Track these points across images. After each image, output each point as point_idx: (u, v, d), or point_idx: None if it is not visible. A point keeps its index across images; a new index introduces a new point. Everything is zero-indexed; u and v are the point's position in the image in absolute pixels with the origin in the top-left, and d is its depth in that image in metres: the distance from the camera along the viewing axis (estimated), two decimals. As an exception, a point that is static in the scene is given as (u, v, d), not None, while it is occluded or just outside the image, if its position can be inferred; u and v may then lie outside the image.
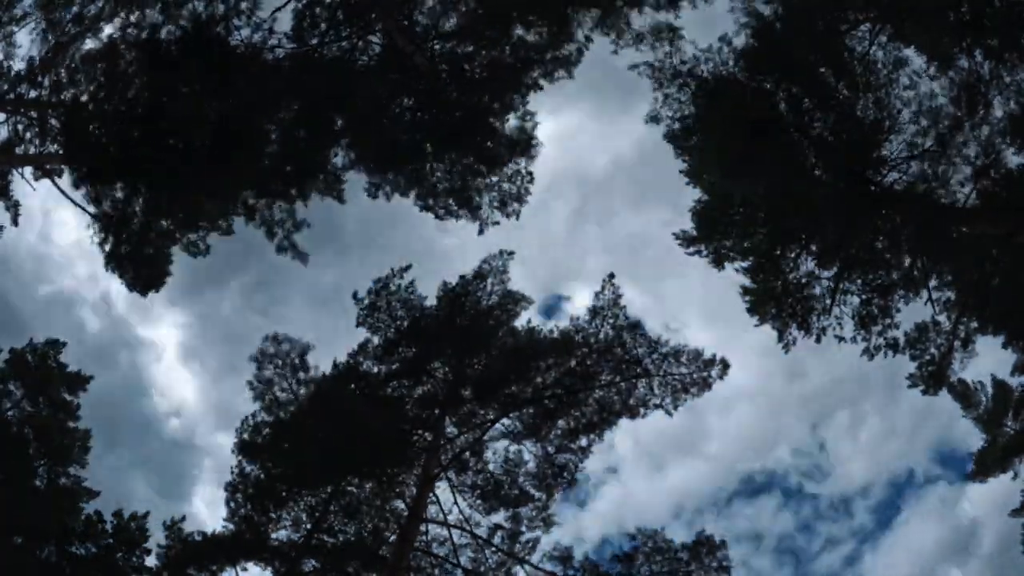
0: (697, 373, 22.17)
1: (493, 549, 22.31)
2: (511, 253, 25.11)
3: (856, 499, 43.21)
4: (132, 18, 17.53)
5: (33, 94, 18.53)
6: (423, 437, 23.22)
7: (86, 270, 41.81)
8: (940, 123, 16.48)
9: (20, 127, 19.13)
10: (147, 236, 19.02)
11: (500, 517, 23.00)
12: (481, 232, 20.95)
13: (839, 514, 43.40)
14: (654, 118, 17.87)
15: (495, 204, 20.51)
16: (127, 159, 16.84)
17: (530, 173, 20.36)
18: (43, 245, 39.41)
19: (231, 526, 21.66)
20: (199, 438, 43.31)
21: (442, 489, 22.98)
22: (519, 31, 19.11)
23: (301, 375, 23.90)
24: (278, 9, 18.69)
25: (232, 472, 22.34)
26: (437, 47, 19.48)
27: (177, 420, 45.37)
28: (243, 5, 18.01)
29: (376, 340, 24.78)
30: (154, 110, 17.04)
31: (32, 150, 19.20)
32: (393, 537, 21.94)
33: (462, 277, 25.18)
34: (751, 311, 18.46)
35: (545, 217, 42.50)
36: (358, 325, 24.86)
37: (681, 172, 18.47)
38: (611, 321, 22.92)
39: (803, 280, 18.12)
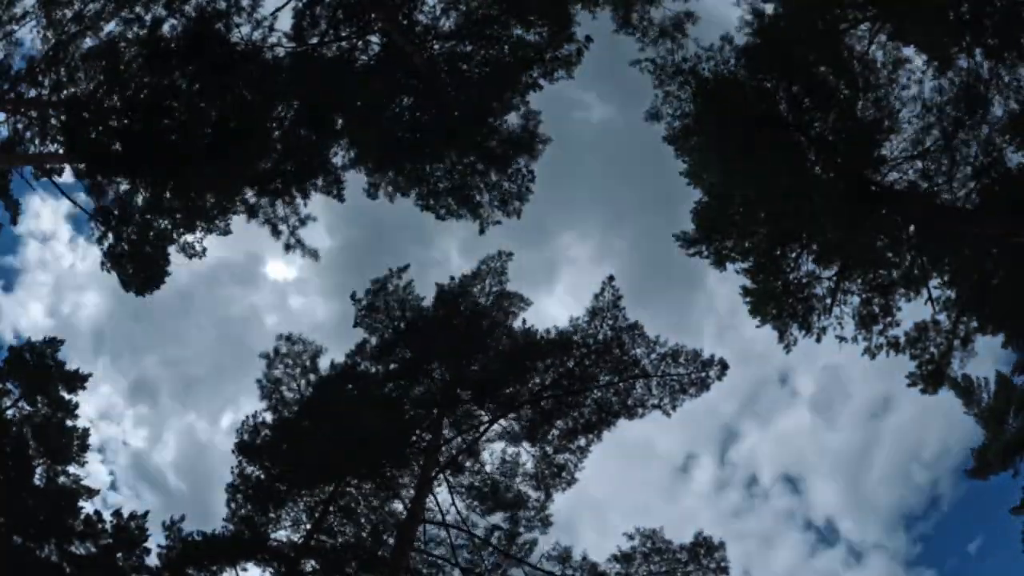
0: (695, 373, 22.16)
1: (491, 549, 22.29)
2: (509, 254, 25.13)
3: None
4: (133, 15, 17.51)
5: (33, 93, 18.52)
6: (421, 438, 23.18)
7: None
8: (940, 122, 16.47)
9: (20, 127, 19.13)
10: (146, 235, 19.00)
11: (498, 518, 23.03)
12: (482, 232, 20.99)
13: None
14: (654, 115, 17.88)
15: (496, 203, 20.52)
16: (128, 155, 16.83)
17: (531, 171, 20.39)
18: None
19: (231, 527, 21.64)
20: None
21: (440, 490, 23.01)
22: (518, 31, 19.14)
23: (311, 377, 23.90)
24: (279, 8, 18.78)
25: (232, 472, 22.34)
26: (436, 47, 19.51)
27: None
28: (244, 3, 18.08)
29: (374, 340, 24.81)
30: (155, 107, 17.05)
31: (32, 149, 19.19)
32: (392, 538, 21.91)
33: (459, 277, 25.22)
34: (752, 311, 18.42)
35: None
36: (356, 325, 24.91)
37: (681, 173, 18.46)
38: (609, 322, 22.90)
39: (803, 280, 18.07)
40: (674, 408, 22.26)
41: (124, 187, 18.91)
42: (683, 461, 39.83)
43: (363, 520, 22.57)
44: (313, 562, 21.70)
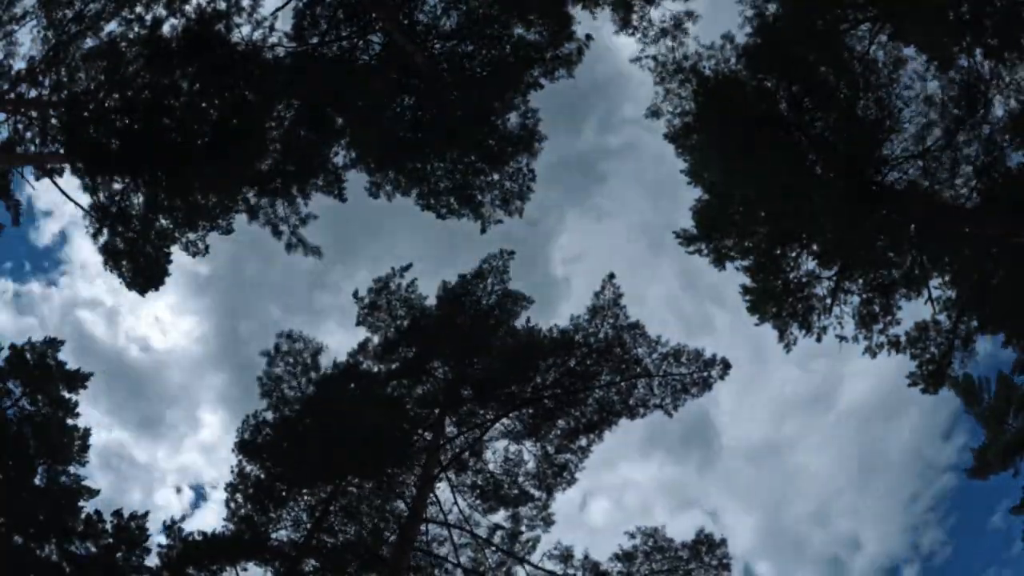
0: (697, 373, 22.18)
1: (493, 549, 22.31)
2: (511, 253, 25.12)
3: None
4: (133, 15, 17.50)
5: (33, 93, 18.49)
6: (423, 437, 23.20)
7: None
8: (941, 122, 16.48)
9: (20, 127, 19.10)
10: (148, 234, 18.98)
11: (500, 517, 23.05)
12: (483, 231, 20.99)
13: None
14: (654, 112, 17.93)
15: (497, 202, 20.52)
16: (128, 154, 16.82)
17: (531, 171, 20.39)
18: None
19: (231, 526, 21.65)
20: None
21: (442, 489, 23.03)
22: (519, 30, 19.15)
23: (312, 375, 23.90)
24: (279, 8, 18.77)
25: (232, 472, 22.35)
26: (437, 46, 19.51)
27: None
28: (244, 3, 18.07)
29: (376, 339, 24.83)
30: (155, 107, 17.03)
31: (32, 150, 19.16)
32: (393, 537, 21.92)
33: (462, 276, 25.21)
34: (751, 310, 18.43)
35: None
36: (358, 324, 24.92)
37: (682, 171, 18.48)
38: (611, 321, 22.92)
39: (804, 279, 18.09)
40: (676, 408, 22.32)
41: (123, 186, 18.90)
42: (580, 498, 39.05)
43: (364, 519, 22.57)
44: (314, 561, 21.73)
